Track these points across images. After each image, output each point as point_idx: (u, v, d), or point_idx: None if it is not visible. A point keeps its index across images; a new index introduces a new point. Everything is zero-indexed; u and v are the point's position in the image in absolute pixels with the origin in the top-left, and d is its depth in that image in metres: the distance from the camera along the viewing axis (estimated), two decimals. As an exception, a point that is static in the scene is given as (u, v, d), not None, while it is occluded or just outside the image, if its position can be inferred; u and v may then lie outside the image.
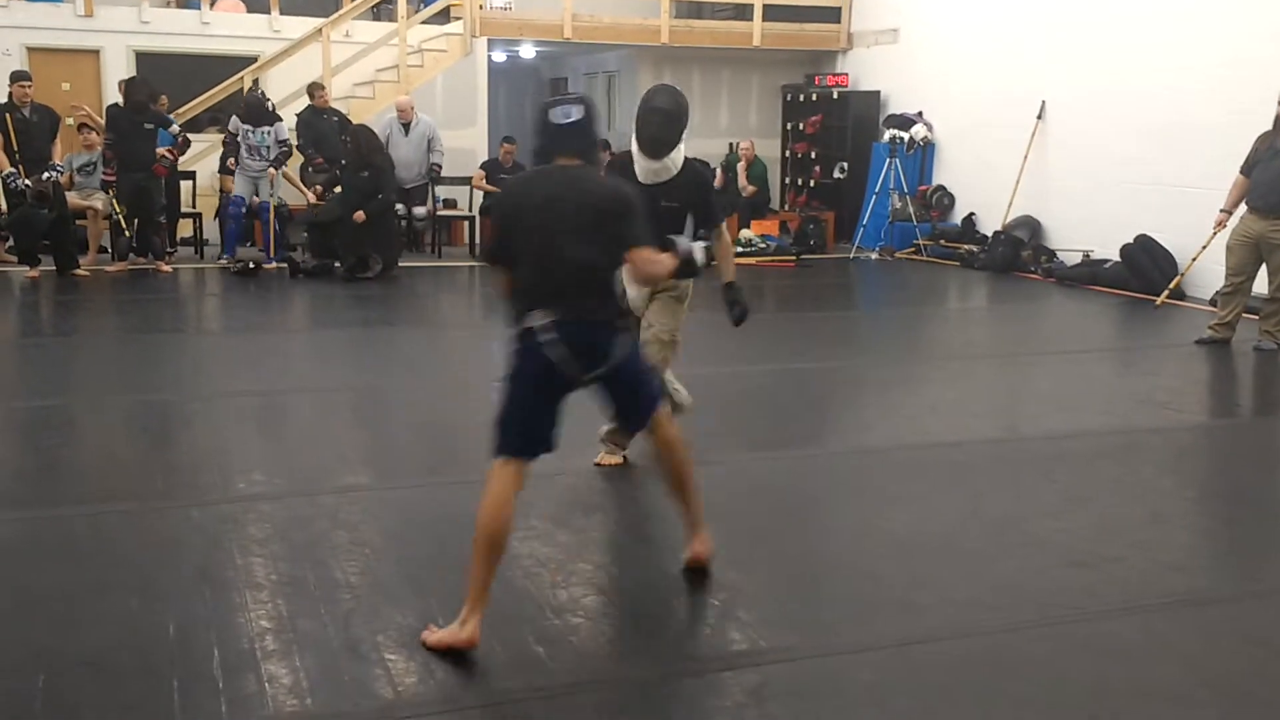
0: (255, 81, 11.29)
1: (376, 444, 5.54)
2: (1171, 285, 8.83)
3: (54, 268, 9.98)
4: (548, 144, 3.47)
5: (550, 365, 3.34)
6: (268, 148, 10.67)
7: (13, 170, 9.73)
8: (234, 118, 10.84)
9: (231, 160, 10.76)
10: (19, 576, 3.72)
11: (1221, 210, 8.05)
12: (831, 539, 4.30)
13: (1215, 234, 8.11)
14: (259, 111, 10.73)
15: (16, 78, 10.09)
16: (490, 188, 12.27)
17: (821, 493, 4.89)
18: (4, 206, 10.14)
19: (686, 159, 4.75)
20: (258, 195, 10.72)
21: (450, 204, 13.03)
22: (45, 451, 5.29)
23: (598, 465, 4.91)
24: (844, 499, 4.76)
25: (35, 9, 12.16)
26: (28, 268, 9.91)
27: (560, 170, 3.45)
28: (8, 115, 9.87)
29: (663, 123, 4.59)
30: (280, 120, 10.96)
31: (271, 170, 10.69)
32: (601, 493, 4.70)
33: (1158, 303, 8.65)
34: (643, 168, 4.64)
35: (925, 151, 13.36)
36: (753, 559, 3.97)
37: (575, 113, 3.43)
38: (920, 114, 13.35)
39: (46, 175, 9.78)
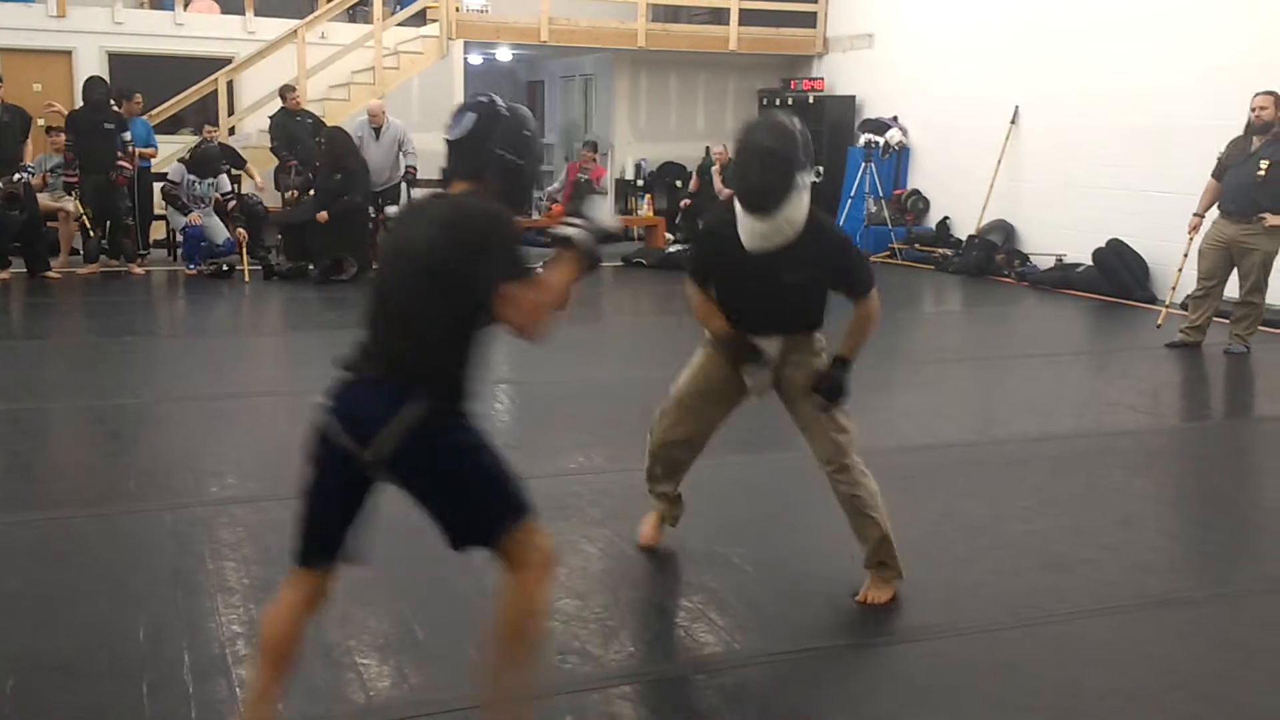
0: (210, 136, 11.10)
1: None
2: (1167, 302, 8.84)
3: (24, 270, 9.88)
4: (445, 165, 2.77)
5: (325, 442, 2.61)
6: (210, 199, 10.56)
7: None
8: (179, 164, 10.68)
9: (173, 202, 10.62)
10: (-13, 581, 3.68)
11: (1194, 214, 8.11)
12: (806, 541, 4.30)
13: (1191, 239, 8.18)
14: (205, 163, 10.57)
15: None
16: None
17: (796, 495, 4.89)
18: None
19: (811, 211, 3.52)
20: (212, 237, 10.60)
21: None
22: (17, 454, 5.24)
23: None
24: (818, 502, 4.75)
25: (7, 9, 12.05)
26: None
27: (438, 202, 2.71)
28: None
29: (765, 168, 3.36)
30: (226, 170, 10.85)
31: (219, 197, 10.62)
32: (576, 495, 4.69)
33: (1159, 323, 8.69)
34: (747, 230, 3.46)
35: (900, 156, 13.43)
36: (727, 561, 3.97)
37: (465, 123, 2.70)
38: (895, 118, 13.42)
39: (17, 176, 9.70)
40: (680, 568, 3.89)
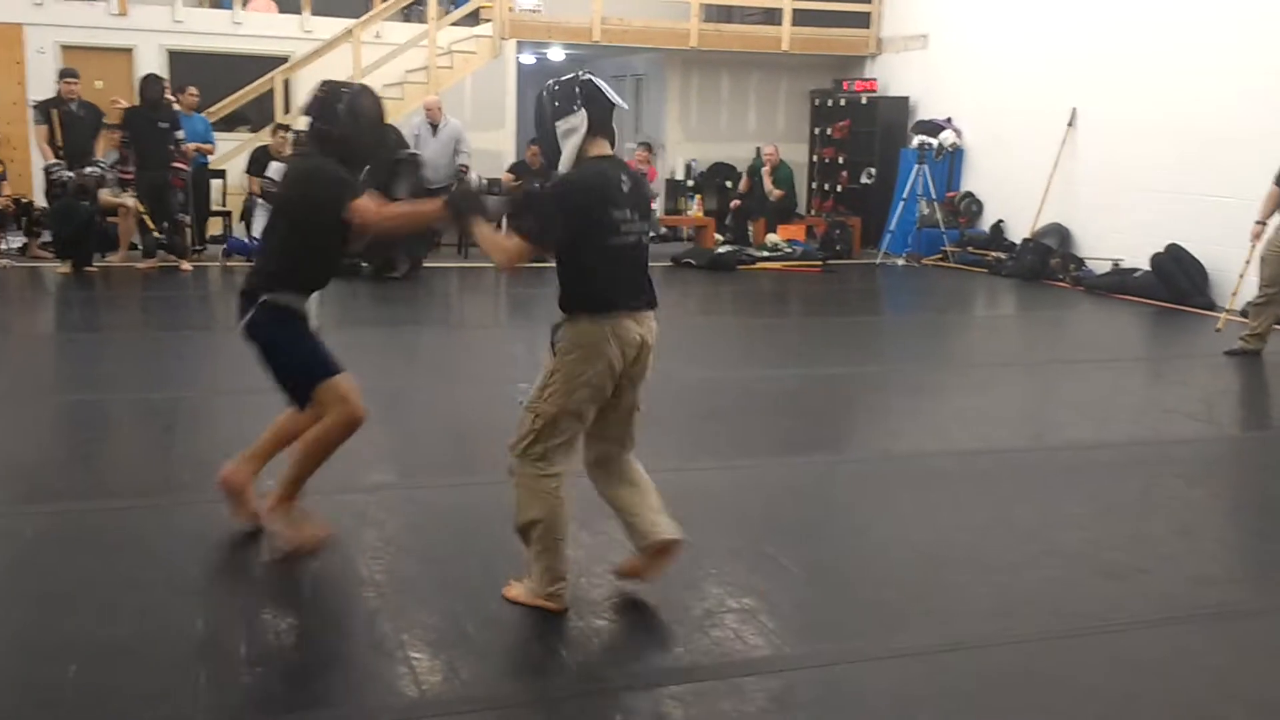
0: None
1: (402, 443, 5.56)
2: (1228, 307, 8.73)
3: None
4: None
5: None
6: None
7: (57, 162, 9.88)
8: (280, 164, 10.76)
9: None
10: (52, 568, 3.75)
11: (1257, 222, 7.97)
12: (857, 545, 4.28)
13: (1254, 247, 8.04)
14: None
15: (65, 74, 10.29)
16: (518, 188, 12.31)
17: (847, 498, 4.87)
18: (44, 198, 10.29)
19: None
20: None
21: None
22: (76, 446, 5.35)
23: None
24: (870, 505, 4.75)
25: (70, 7, 12.29)
26: (60, 263, 10.00)
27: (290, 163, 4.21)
28: (54, 110, 10.04)
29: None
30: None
31: None
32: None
33: (1218, 327, 8.58)
34: None
35: (954, 158, 13.32)
36: (777, 564, 3.96)
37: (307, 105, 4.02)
38: (949, 120, 13.31)
39: (90, 170, 9.90)
40: (730, 569, 3.88)
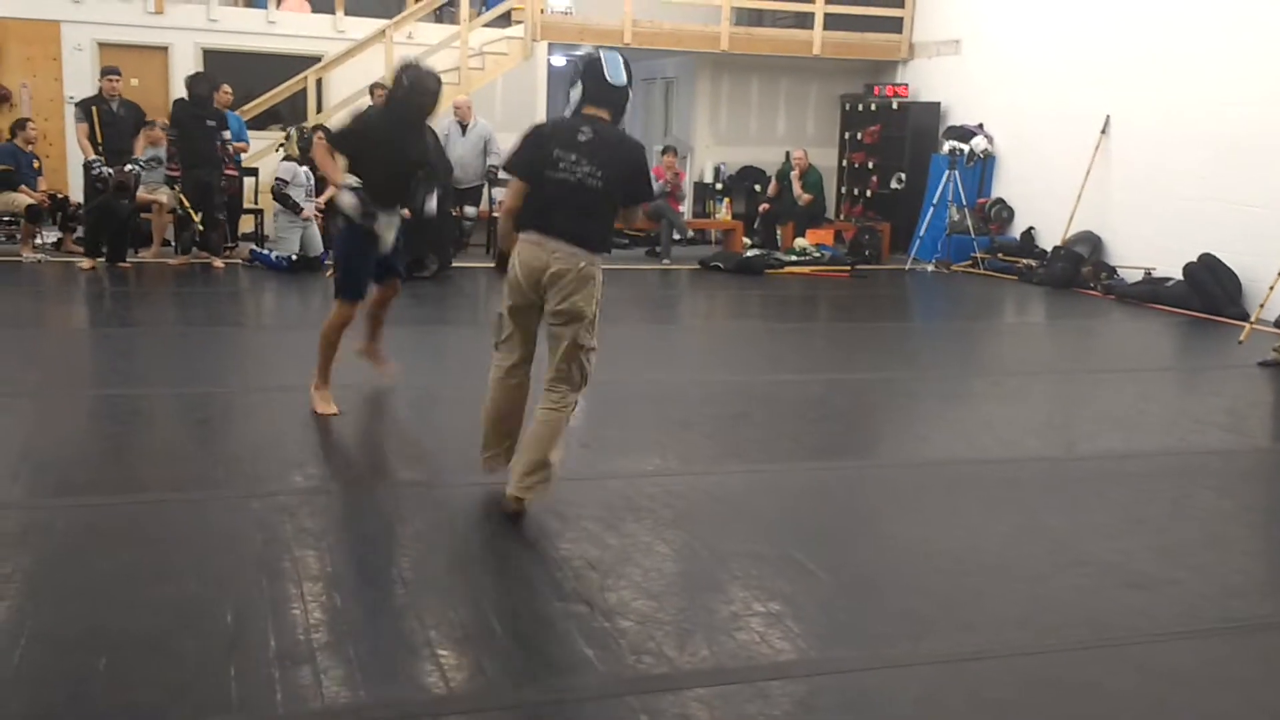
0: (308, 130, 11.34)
1: (431, 441, 5.59)
2: (1254, 318, 8.67)
3: (104, 259, 10.16)
4: None
5: None
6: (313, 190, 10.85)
7: (97, 158, 10.00)
8: (289, 163, 10.76)
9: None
10: (82, 560, 3.79)
11: None
12: (884, 551, 4.27)
13: None
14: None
15: (107, 72, 10.40)
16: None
17: (875, 504, 4.86)
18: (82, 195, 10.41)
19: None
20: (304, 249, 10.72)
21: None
22: (110, 439, 5.40)
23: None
24: (897, 512, 4.73)
25: (107, 5, 12.42)
26: (88, 259, 10.09)
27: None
28: (95, 107, 10.15)
29: None
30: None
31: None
32: (650, 497, 4.70)
33: (1241, 339, 8.53)
34: None
35: (985, 164, 13.26)
36: (804, 569, 3.95)
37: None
38: (980, 126, 13.25)
39: (129, 167, 10.01)
40: (756, 573, 3.88)
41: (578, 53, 4.54)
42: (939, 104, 14.03)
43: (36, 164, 10.87)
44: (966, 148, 12.82)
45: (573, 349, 4.29)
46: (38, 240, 10.75)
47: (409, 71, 5.44)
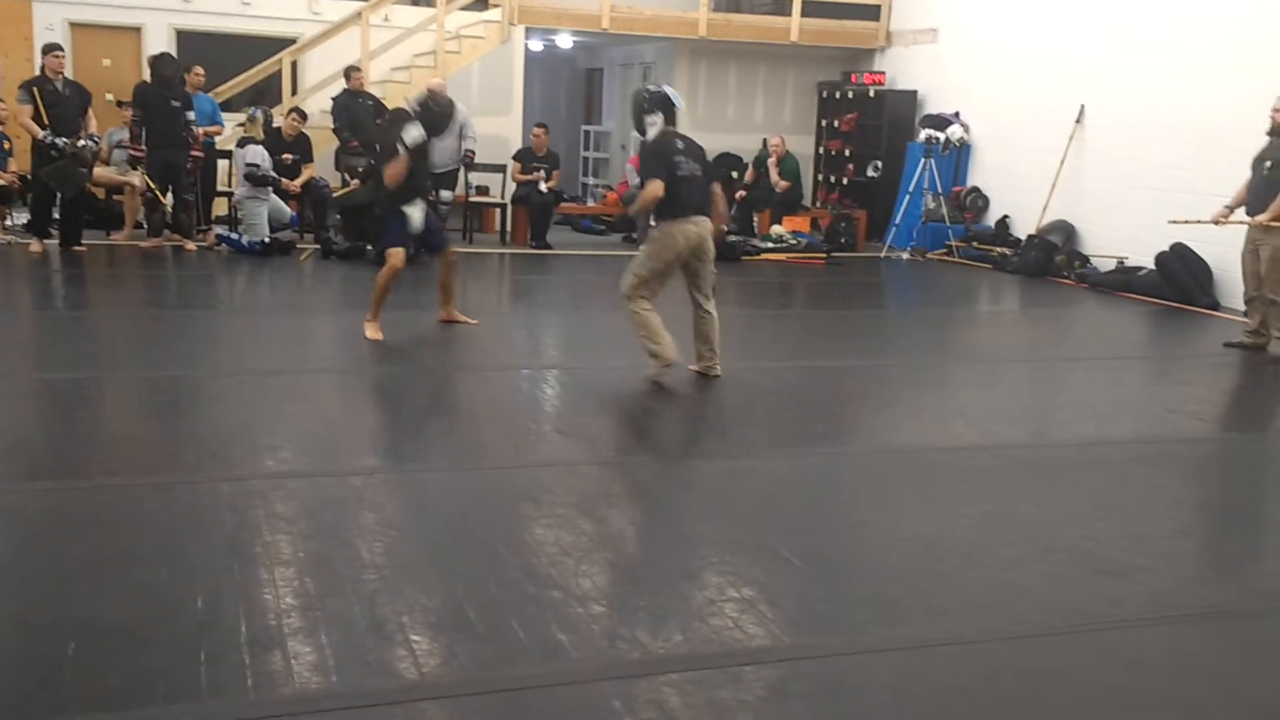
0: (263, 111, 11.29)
1: (403, 427, 5.57)
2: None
3: (57, 241, 9.96)
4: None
5: None
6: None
7: (47, 131, 9.69)
8: (258, 147, 10.75)
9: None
10: (51, 546, 3.76)
11: (1224, 205, 8.35)
12: (857, 538, 4.28)
13: (1217, 225, 8.44)
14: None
15: (49, 48, 10.03)
16: (526, 178, 12.29)
17: (848, 492, 4.88)
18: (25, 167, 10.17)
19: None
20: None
21: (483, 191, 13.05)
22: (79, 422, 5.35)
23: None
24: (870, 499, 4.75)
25: (79, -16, 12.27)
26: (36, 240, 9.89)
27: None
28: (38, 87, 9.80)
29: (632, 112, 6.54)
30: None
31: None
32: (625, 483, 4.70)
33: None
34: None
35: (960, 152, 13.30)
36: (777, 555, 3.96)
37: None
38: (957, 114, 13.29)
39: (83, 143, 9.77)
40: (729, 560, 3.89)
41: (648, 90, 6.44)
42: (916, 92, 14.06)
43: (6, 145, 10.72)
44: (942, 136, 12.85)
45: (711, 275, 6.45)
46: (8, 222, 10.62)
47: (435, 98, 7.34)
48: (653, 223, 6.25)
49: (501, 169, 12.85)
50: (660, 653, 3.20)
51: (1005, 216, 12.86)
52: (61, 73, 9.94)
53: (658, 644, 3.24)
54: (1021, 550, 4.14)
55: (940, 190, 12.86)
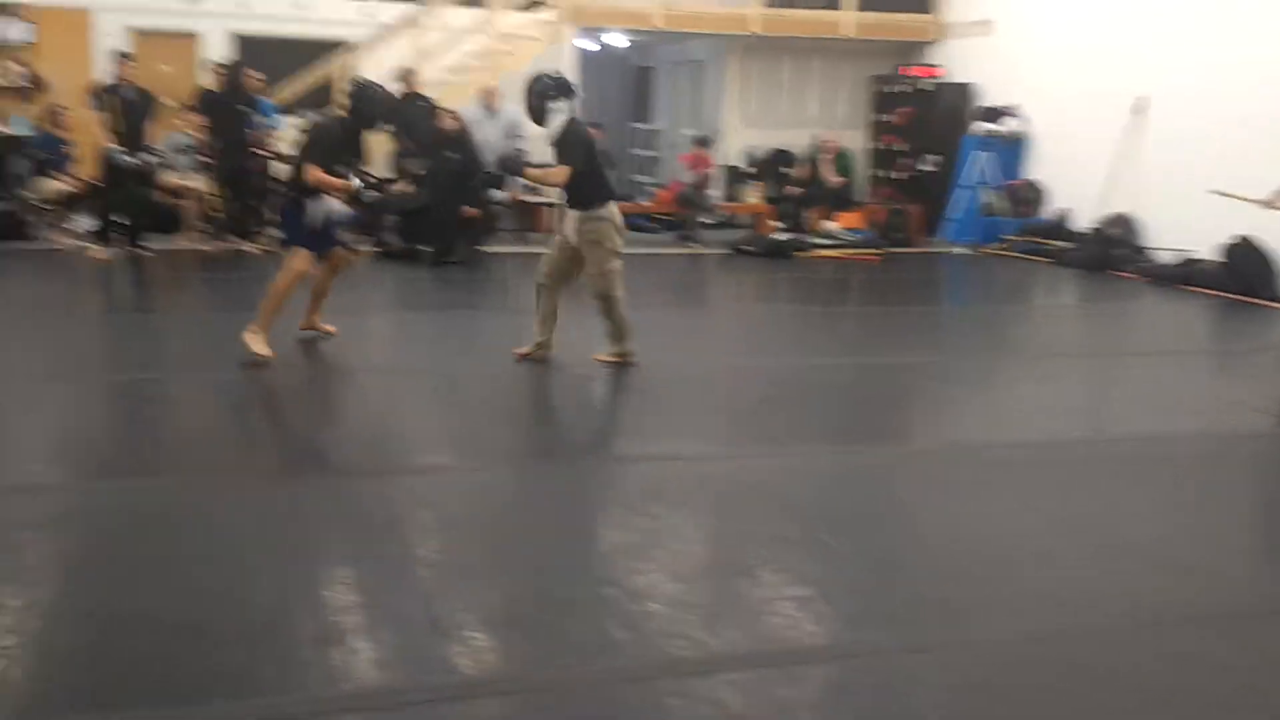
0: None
1: (458, 426, 5.62)
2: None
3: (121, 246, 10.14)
4: None
5: None
6: None
7: (119, 148, 9.93)
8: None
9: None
10: (122, 543, 3.85)
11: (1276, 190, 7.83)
12: (915, 536, 4.26)
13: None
14: None
15: (119, 56, 10.28)
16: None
17: (905, 488, 4.85)
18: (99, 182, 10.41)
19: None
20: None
21: (533, 189, 13.09)
22: (145, 423, 5.46)
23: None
24: (928, 496, 4.71)
25: (139, -9, 12.51)
26: (101, 249, 10.07)
27: None
28: (113, 94, 10.04)
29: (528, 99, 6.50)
30: None
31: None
32: (679, 480, 4.71)
33: None
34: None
35: (1017, 145, 13.13)
36: (836, 552, 3.95)
37: None
38: (1013, 107, 13.12)
39: (147, 157, 9.98)
40: (787, 557, 3.88)
41: (549, 74, 6.53)
42: (971, 85, 13.89)
43: (70, 151, 10.95)
44: (998, 129, 12.70)
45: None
46: (73, 227, 10.84)
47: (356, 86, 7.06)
48: (573, 208, 6.41)
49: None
50: (718, 650, 3.20)
51: (1063, 209, 12.67)
52: (131, 80, 10.15)
53: (715, 641, 3.25)
54: (1082, 547, 4.09)
55: (996, 184, 12.69)
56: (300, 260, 6.48)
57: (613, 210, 6.39)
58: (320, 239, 6.59)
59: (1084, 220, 12.15)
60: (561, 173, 6.27)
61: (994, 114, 13.01)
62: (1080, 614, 3.54)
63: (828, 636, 3.33)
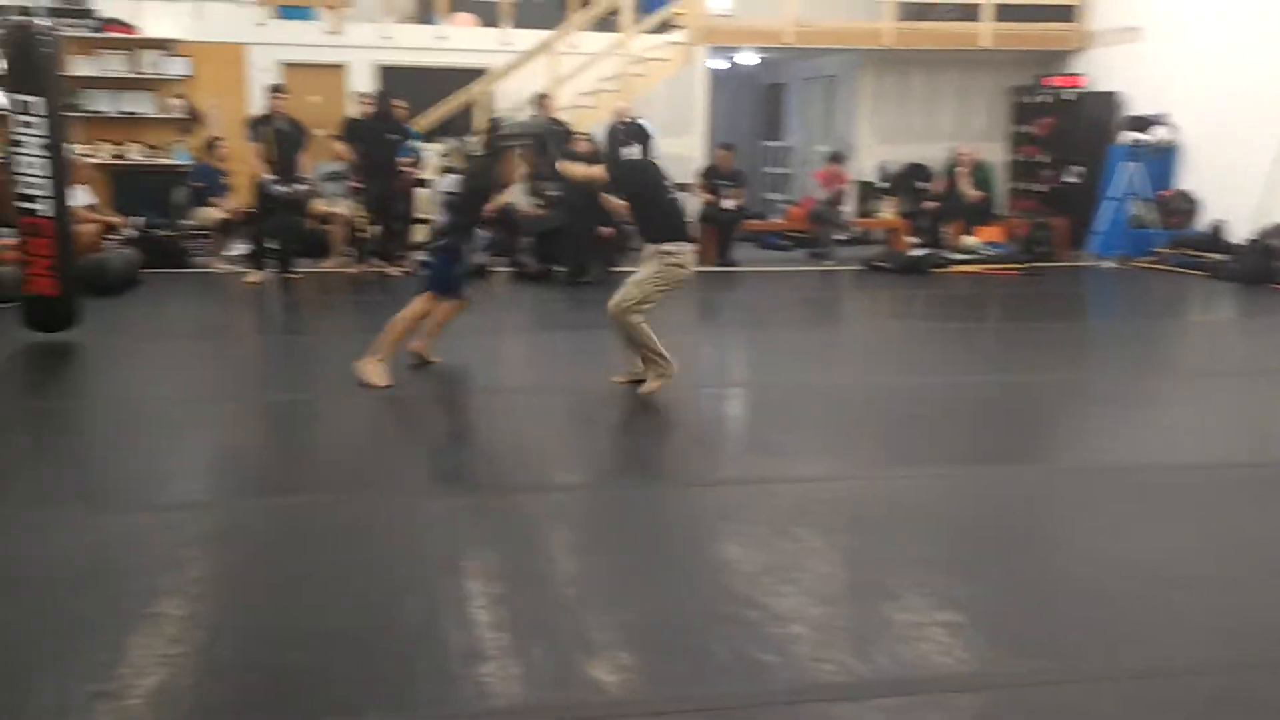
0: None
1: (595, 444, 5.67)
2: None
3: (277, 271, 10.56)
4: None
5: None
6: None
7: (274, 178, 10.41)
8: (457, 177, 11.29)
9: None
10: (276, 560, 3.99)
11: None
12: (1064, 559, 4.12)
13: None
14: None
15: (276, 89, 10.80)
16: (710, 197, 12.35)
17: (1055, 511, 4.69)
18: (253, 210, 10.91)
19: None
20: None
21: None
22: (298, 442, 5.66)
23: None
24: (1077, 518, 4.56)
25: (289, 27, 13.04)
26: (255, 273, 10.50)
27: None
28: (268, 126, 10.55)
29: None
30: None
31: None
32: (820, 501, 4.66)
33: None
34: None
35: (1167, 155, 12.65)
36: (981, 576, 3.85)
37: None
38: (1163, 115, 12.66)
39: (299, 186, 10.46)
40: (933, 581, 3.80)
41: (623, 120, 7.27)
42: (1117, 93, 13.46)
43: (227, 180, 11.48)
44: (1147, 138, 12.26)
45: None
46: (229, 252, 11.35)
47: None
48: (644, 240, 6.43)
49: (684, 188, 12.94)
50: (868, 676, 3.15)
51: (1218, 221, 12.15)
52: (283, 111, 10.62)
53: (862, 666, 3.20)
54: (1242, 574, 3.91)
55: (1146, 195, 12.25)
56: (430, 302, 6.76)
57: (682, 249, 6.30)
58: (458, 285, 6.88)
59: (1240, 231, 11.63)
60: (587, 171, 6.85)
61: (1143, 123, 12.57)
62: (1243, 644, 3.37)
63: (979, 663, 3.24)
